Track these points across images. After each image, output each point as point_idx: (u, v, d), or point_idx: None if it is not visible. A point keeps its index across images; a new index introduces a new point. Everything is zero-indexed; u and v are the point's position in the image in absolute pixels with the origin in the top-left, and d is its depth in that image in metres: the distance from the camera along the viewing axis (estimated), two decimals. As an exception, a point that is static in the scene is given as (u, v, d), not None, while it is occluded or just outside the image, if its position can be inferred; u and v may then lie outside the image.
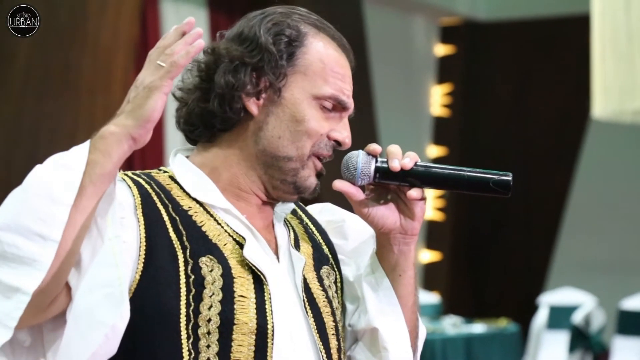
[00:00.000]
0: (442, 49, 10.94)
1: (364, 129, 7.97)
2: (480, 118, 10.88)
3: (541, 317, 8.97)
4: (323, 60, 1.84)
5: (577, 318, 8.72)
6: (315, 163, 1.84)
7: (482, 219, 10.90)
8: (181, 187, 1.82)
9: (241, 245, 1.79)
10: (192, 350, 1.71)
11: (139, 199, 1.76)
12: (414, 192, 1.83)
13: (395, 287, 1.89)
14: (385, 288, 1.89)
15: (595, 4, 6.49)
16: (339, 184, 1.83)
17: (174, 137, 7.07)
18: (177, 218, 1.77)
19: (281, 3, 1.91)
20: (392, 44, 10.19)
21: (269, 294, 1.78)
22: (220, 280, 1.74)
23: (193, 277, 1.73)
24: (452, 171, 1.84)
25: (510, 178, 1.83)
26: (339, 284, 1.94)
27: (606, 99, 6.42)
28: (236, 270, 1.76)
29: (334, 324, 1.87)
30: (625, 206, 10.60)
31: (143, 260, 1.71)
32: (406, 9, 10.35)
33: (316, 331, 1.83)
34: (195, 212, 1.79)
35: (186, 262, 1.73)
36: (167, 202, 1.78)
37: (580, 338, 8.74)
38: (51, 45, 6.41)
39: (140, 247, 1.72)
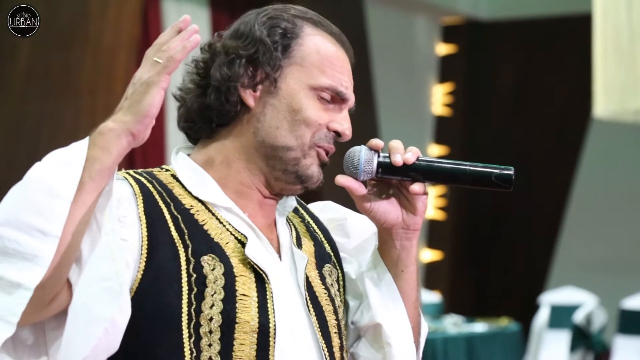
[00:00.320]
0: (443, 48, 10.94)
1: (366, 128, 7.97)
2: (482, 117, 10.88)
3: (542, 316, 8.97)
4: (320, 51, 1.84)
5: (579, 317, 8.72)
6: (320, 153, 1.84)
7: (484, 218, 10.90)
8: (183, 186, 1.82)
9: (243, 244, 1.79)
10: (193, 349, 1.71)
11: (141, 197, 1.76)
12: (416, 187, 1.83)
13: (398, 283, 1.89)
14: (388, 284, 1.89)
15: (597, 3, 6.49)
16: (341, 179, 1.83)
17: (175, 135, 7.08)
18: (179, 217, 1.77)
19: (282, 2, 1.91)
20: (393, 43, 10.19)
21: (271, 292, 1.78)
22: (222, 278, 1.74)
23: (195, 275, 1.73)
24: (454, 166, 1.84)
25: (512, 172, 1.83)
26: (341, 282, 1.94)
27: (607, 99, 6.42)
28: (238, 268, 1.76)
29: (336, 322, 1.87)
30: (627, 205, 10.60)
31: (145, 259, 1.71)
32: (408, 8, 10.35)
33: (318, 329, 1.82)
34: (197, 211, 1.79)
35: (188, 261, 1.73)
36: (168, 200, 1.78)
37: (582, 337, 8.74)
38: (52, 46, 6.42)
39: (141, 246, 1.72)
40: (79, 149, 1.64)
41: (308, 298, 1.83)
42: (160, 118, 6.37)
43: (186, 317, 1.71)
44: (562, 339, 8.73)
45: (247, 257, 1.77)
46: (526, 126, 10.67)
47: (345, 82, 1.86)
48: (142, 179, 1.80)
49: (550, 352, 8.72)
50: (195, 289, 1.72)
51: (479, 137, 10.80)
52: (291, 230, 1.91)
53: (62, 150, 1.65)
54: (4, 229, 1.59)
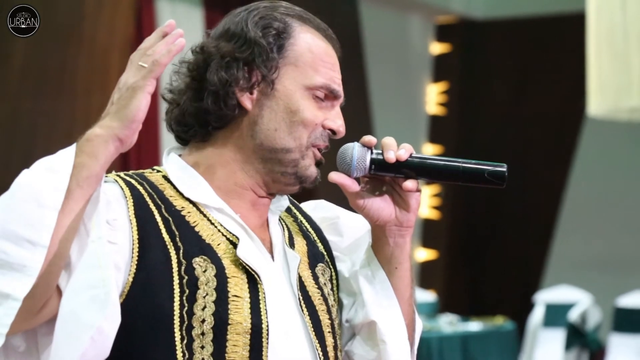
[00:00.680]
0: (437, 48, 10.94)
1: (360, 127, 7.97)
2: (476, 116, 10.88)
3: (537, 315, 8.97)
4: (312, 50, 1.84)
5: (573, 316, 8.73)
6: (315, 153, 1.84)
7: (478, 217, 10.91)
8: (174, 187, 1.82)
9: (235, 245, 1.78)
10: (186, 352, 1.71)
11: (132, 200, 1.75)
12: (409, 184, 1.83)
13: (392, 280, 1.89)
14: (382, 281, 1.89)
15: (591, 2, 6.49)
16: (335, 176, 1.83)
17: (169, 137, 7.05)
18: (170, 219, 1.76)
19: (287, 2, 1.91)
20: (388, 42, 10.19)
21: (264, 293, 1.77)
22: (213, 280, 1.74)
23: (186, 278, 1.72)
24: (447, 162, 1.85)
25: (505, 169, 1.83)
26: (334, 281, 1.94)
27: (602, 97, 6.43)
28: (230, 270, 1.76)
29: (329, 321, 1.87)
30: (621, 204, 10.61)
31: (136, 262, 1.71)
32: (402, 8, 10.35)
33: (312, 329, 1.82)
34: (189, 212, 1.79)
35: (179, 263, 1.73)
36: (159, 202, 1.78)
37: (577, 336, 8.74)
38: (47, 45, 6.41)
39: (132, 249, 1.71)
40: (66, 156, 1.64)
41: (301, 298, 1.83)
42: (155, 119, 6.37)
43: (178, 320, 1.71)
44: (557, 337, 8.73)
45: (238, 258, 1.77)
46: (521, 125, 10.68)
47: (337, 79, 1.86)
48: (133, 181, 1.79)
49: (546, 351, 8.73)
50: (187, 291, 1.72)
51: (473, 136, 10.81)
52: (283, 229, 1.91)
53: (49, 158, 1.65)
54: None
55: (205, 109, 1.82)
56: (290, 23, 1.85)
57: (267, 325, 1.76)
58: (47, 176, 1.62)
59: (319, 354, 1.82)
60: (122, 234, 1.72)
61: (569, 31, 9.78)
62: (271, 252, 1.85)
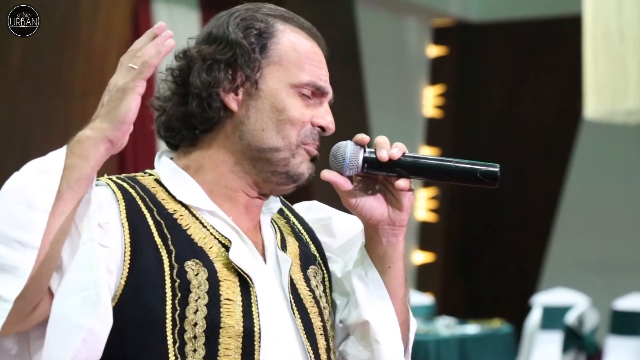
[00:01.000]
0: (434, 50, 10.95)
1: (357, 130, 7.94)
2: (473, 119, 10.89)
3: (534, 317, 8.98)
4: (296, 48, 1.84)
5: (571, 318, 8.73)
6: (308, 150, 1.84)
7: (475, 220, 10.91)
8: (166, 190, 1.81)
9: (227, 248, 1.78)
10: (178, 355, 1.70)
11: (124, 204, 1.75)
12: (401, 183, 1.83)
13: (385, 280, 1.89)
14: (375, 281, 1.88)
15: (587, 5, 6.50)
16: (327, 174, 1.83)
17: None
18: (162, 222, 1.76)
19: (272, 3, 1.91)
20: (384, 45, 10.20)
21: (256, 296, 1.77)
22: (206, 283, 1.74)
23: (179, 281, 1.72)
24: (439, 162, 1.84)
25: (497, 169, 1.83)
26: (327, 283, 1.93)
27: (598, 100, 6.44)
28: (222, 273, 1.76)
29: (321, 324, 1.86)
30: (618, 206, 10.62)
31: (128, 265, 1.71)
32: (399, 10, 10.36)
33: (304, 332, 1.82)
34: (181, 215, 1.79)
35: (171, 267, 1.73)
36: (152, 206, 1.77)
37: (574, 338, 8.75)
38: (44, 48, 6.41)
39: (125, 252, 1.71)
40: (56, 157, 1.64)
41: (293, 301, 1.83)
42: (152, 120, 6.35)
43: (170, 323, 1.70)
44: (554, 340, 8.74)
45: (231, 261, 1.76)
46: (517, 127, 10.69)
47: (323, 76, 1.85)
48: (125, 185, 1.79)
49: (543, 353, 8.73)
50: (179, 295, 1.71)
51: (470, 139, 10.81)
52: (276, 232, 1.90)
53: (40, 160, 1.65)
54: None
55: (191, 112, 1.81)
56: (273, 23, 1.85)
57: (259, 328, 1.75)
58: (38, 178, 1.62)
59: (310, 357, 1.81)
60: (114, 238, 1.71)
61: (565, 34, 9.79)
62: (263, 255, 1.85)
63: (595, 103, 6.44)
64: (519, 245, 10.77)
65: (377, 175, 1.85)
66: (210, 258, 1.76)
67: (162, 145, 1.94)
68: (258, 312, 1.76)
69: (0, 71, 6.45)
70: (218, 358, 1.72)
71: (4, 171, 1.66)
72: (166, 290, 1.71)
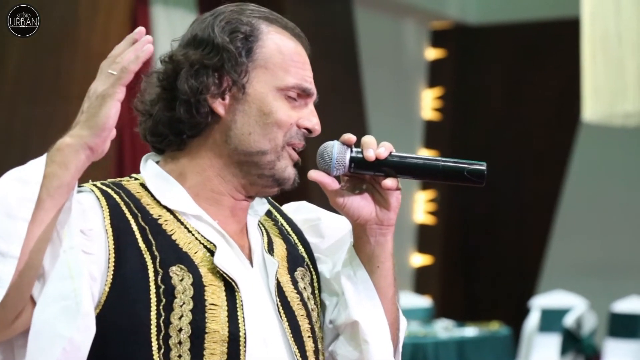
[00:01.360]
0: (432, 53, 10.95)
1: (355, 132, 7.95)
2: (471, 121, 10.89)
3: (533, 320, 8.98)
4: (281, 51, 1.83)
5: (569, 321, 8.74)
6: (290, 153, 1.83)
7: (474, 222, 10.91)
8: (152, 195, 1.81)
9: (212, 253, 1.77)
10: None
11: (107, 210, 1.74)
12: (389, 182, 1.83)
13: (374, 279, 1.88)
14: (364, 280, 1.88)
15: (585, 7, 6.51)
16: (314, 174, 1.83)
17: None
18: (147, 227, 1.75)
19: (269, 6, 1.91)
20: (382, 47, 10.21)
21: (241, 300, 1.76)
22: (190, 289, 1.73)
23: (163, 287, 1.71)
24: (427, 161, 1.85)
25: (484, 167, 1.83)
26: (315, 284, 1.93)
27: (596, 102, 6.44)
28: (207, 278, 1.75)
29: (309, 326, 1.86)
30: (617, 209, 10.62)
31: (112, 272, 1.70)
32: (397, 13, 10.36)
33: (291, 335, 1.81)
34: (166, 221, 1.78)
35: (156, 272, 1.72)
36: (136, 211, 1.77)
37: (572, 341, 8.75)
38: (42, 50, 6.41)
39: (108, 258, 1.70)
40: (36, 166, 1.64)
41: (279, 304, 1.82)
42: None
43: (155, 329, 1.70)
44: (552, 342, 8.74)
45: (216, 266, 1.76)
46: (515, 130, 10.69)
47: (308, 77, 1.85)
48: (109, 190, 1.78)
49: (541, 356, 8.73)
50: (164, 300, 1.71)
51: (468, 141, 10.82)
52: (263, 234, 1.90)
53: (19, 168, 1.65)
54: None
55: (178, 118, 1.81)
56: (258, 25, 1.84)
57: (245, 333, 1.75)
58: (17, 187, 1.62)
59: (297, 359, 1.81)
60: (98, 244, 1.71)
61: (564, 36, 9.80)
62: (250, 258, 1.84)
63: (594, 105, 6.45)
64: (518, 248, 10.77)
65: (365, 174, 1.85)
66: (195, 263, 1.75)
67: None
68: (244, 317, 1.76)
69: (-2, 73, 6.45)
70: None
71: (4, 172, 1.65)
72: (151, 296, 1.71)
